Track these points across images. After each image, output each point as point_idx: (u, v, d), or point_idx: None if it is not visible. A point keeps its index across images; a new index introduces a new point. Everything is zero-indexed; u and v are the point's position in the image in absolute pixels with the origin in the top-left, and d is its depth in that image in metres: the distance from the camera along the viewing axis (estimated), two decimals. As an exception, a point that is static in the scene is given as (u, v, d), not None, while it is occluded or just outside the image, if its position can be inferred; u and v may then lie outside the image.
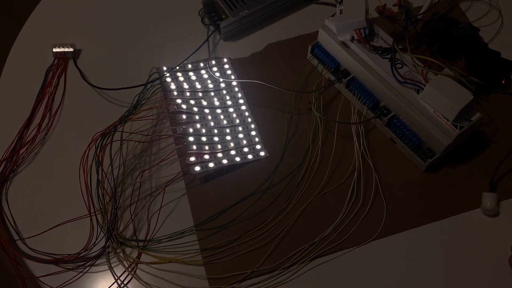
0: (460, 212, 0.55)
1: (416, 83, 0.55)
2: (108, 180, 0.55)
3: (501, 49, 0.64)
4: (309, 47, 0.64)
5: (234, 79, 0.64)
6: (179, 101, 0.61)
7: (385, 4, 0.66)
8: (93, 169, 0.55)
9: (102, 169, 0.55)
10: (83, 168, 0.55)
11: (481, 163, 0.58)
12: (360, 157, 0.58)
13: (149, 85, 0.61)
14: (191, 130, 0.58)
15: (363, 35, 0.58)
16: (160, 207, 0.55)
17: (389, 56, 0.58)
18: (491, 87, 0.63)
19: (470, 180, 0.57)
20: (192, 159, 0.57)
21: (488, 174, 0.57)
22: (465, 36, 0.64)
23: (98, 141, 0.56)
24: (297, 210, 0.55)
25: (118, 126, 0.56)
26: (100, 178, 0.55)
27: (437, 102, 0.54)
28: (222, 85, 0.64)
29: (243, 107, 0.62)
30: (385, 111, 0.59)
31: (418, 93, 0.55)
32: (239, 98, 0.63)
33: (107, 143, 0.55)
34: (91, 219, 0.54)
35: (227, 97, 0.63)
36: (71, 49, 0.65)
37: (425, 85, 0.54)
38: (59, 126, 0.61)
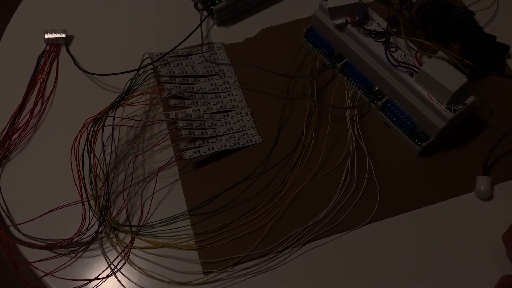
0: (454, 196, 0.55)
1: (410, 67, 0.55)
2: (100, 165, 0.55)
3: (496, 33, 0.63)
4: (303, 32, 0.63)
5: (227, 64, 0.64)
6: (171, 86, 0.60)
7: (380, -12, 0.65)
8: (85, 154, 0.55)
9: (94, 155, 0.55)
10: (74, 153, 0.55)
11: (475, 146, 0.58)
12: (354, 142, 0.57)
13: (141, 71, 0.61)
14: (184, 115, 0.58)
15: (357, 18, 0.58)
16: (153, 193, 0.55)
17: (383, 39, 0.57)
18: (486, 70, 0.62)
19: (464, 164, 0.57)
20: (185, 144, 0.56)
21: (482, 158, 0.56)
22: (460, 20, 0.63)
23: (89, 126, 0.55)
24: (290, 195, 0.55)
25: (110, 111, 0.56)
26: (92, 163, 0.54)
27: (431, 85, 0.53)
28: (216, 70, 0.63)
29: (237, 92, 0.62)
30: (379, 95, 0.58)
31: (412, 77, 0.55)
32: (232, 83, 0.62)
33: (98, 128, 0.55)
34: (83, 205, 0.54)
35: (221, 82, 0.62)
36: (63, 35, 0.65)
37: (419, 68, 0.54)
38: (52, 112, 0.61)
